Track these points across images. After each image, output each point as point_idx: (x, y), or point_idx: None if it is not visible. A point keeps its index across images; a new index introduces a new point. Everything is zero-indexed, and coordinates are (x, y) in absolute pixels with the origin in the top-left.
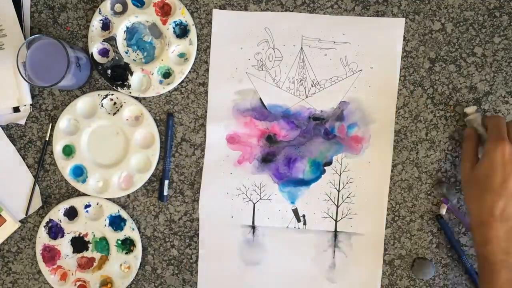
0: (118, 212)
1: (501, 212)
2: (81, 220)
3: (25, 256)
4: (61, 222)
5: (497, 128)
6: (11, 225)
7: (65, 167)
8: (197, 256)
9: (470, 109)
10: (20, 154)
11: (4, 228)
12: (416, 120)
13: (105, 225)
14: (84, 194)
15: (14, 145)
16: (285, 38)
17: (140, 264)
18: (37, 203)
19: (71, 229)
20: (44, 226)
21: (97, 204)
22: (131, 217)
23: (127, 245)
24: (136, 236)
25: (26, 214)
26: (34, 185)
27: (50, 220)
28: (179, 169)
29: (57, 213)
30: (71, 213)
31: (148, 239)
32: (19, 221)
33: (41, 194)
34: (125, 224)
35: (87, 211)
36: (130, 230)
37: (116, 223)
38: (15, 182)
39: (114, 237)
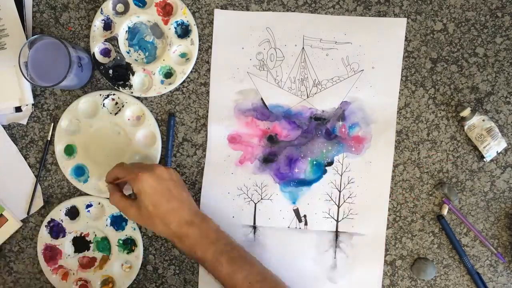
0: (120, 211)
1: (183, 222)
2: (83, 220)
3: (27, 255)
4: (62, 221)
5: (127, 170)
6: (12, 224)
7: (67, 166)
8: None
9: (465, 111)
10: (22, 154)
11: (5, 227)
12: (418, 120)
13: (107, 225)
14: (85, 194)
15: (16, 144)
16: (287, 38)
17: (142, 264)
18: (38, 202)
19: (73, 228)
20: (45, 226)
21: (99, 203)
22: None
23: (128, 244)
24: (137, 236)
25: (27, 214)
26: (36, 184)
27: (52, 220)
28: (180, 169)
29: (58, 213)
30: (73, 213)
31: (149, 239)
32: (21, 220)
33: (43, 194)
34: (126, 224)
35: (88, 211)
36: (131, 230)
37: (118, 222)
38: (17, 182)
39: (115, 236)
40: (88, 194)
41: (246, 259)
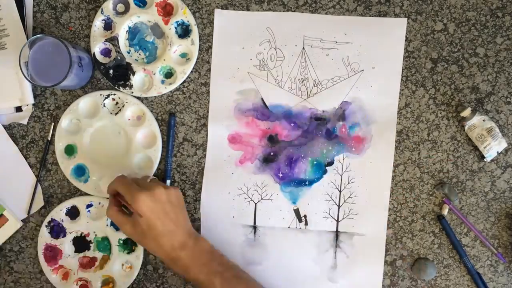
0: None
1: (177, 244)
2: (83, 220)
3: (27, 255)
4: (63, 221)
5: (126, 187)
6: (13, 224)
7: (67, 166)
8: None
9: (466, 112)
10: (22, 154)
11: (6, 227)
12: (418, 120)
13: (107, 225)
14: (86, 194)
15: (17, 144)
16: (287, 38)
17: (142, 264)
18: (39, 202)
19: (73, 228)
20: (46, 226)
21: (99, 203)
22: None
23: (128, 244)
24: None
25: (28, 214)
26: (36, 184)
27: (52, 220)
28: (180, 169)
29: (59, 213)
30: (73, 213)
31: None
32: (21, 220)
33: (43, 194)
34: None
35: (88, 211)
36: None
37: None
38: (17, 182)
39: (115, 236)
40: (88, 194)
41: (241, 279)
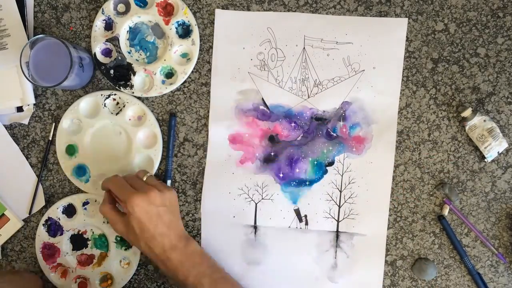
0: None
1: (168, 246)
2: (80, 217)
3: (28, 255)
4: (59, 220)
5: (121, 189)
6: (14, 224)
7: (68, 166)
8: None
9: (466, 112)
10: (24, 154)
11: (7, 227)
12: (419, 120)
13: (104, 222)
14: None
15: (18, 144)
16: (288, 38)
17: (143, 263)
18: (40, 202)
19: (70, 226)
20: (43, 224)
21: (95, 201)
22: None
23: (125, 241)
24: None
25: (29, 213)
26: (37, 184)
27: (49, 218)
28: (181, 169)
29: (55, 211)
30: (70, 211)
31: None
32: (23, 220)
33: (44, 194)
34: None
35: (85, 208)
36: None
37: None
38: (19, 182)
39: (113, 233)
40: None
41: (228, 281)
